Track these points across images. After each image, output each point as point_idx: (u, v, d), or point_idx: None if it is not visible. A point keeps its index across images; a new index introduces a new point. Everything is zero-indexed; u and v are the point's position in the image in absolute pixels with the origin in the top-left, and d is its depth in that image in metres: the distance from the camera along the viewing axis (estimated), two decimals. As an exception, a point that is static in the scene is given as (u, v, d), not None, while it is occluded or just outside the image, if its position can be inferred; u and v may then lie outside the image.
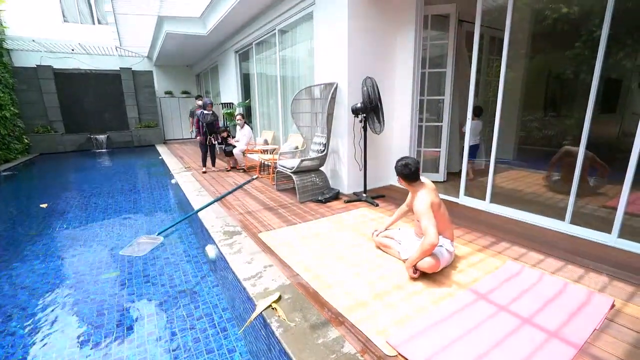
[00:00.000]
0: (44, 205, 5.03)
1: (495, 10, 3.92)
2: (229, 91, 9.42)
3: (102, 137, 11.39)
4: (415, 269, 2.30)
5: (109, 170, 8.27)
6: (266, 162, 6.05)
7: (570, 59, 5.08)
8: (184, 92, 13.50)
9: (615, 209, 2.76)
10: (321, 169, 4.58)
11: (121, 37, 11.87)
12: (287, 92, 6.46)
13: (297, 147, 5.26)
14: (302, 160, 4.27)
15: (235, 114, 7.78)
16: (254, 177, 5.78)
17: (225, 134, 6.76)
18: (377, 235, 2.84)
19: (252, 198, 4.52)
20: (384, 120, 4.06)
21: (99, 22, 11.80)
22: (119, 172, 7.88)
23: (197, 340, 2.08)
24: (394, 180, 5.04)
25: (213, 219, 3.64)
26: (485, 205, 3.75)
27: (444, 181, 4.91)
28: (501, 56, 3.39)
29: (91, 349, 2.03)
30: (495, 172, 3.64)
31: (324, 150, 4.40)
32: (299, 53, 5.82)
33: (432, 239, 2.18)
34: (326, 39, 4.54)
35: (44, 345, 2.07)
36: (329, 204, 4.17)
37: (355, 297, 2.11)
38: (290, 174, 4.31)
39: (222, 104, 9.41)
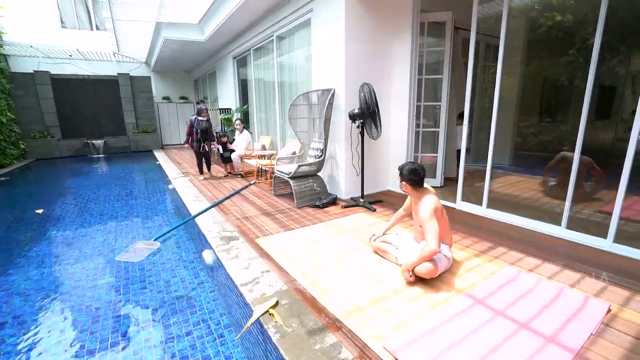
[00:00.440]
0: (39, 211, 4.99)
1: (490, 18, 3.99)
2: (227, 97, 9.46)
3: (99, 142, 11.37)
4: (412, 273, 2.30)
5: (105, 175, 8.23)
6: (264, 168, 6.05)
7: (565, 66, 5.15)
8: (182, 98, 13.53)
9: (610, 214, 2.78)
10: (319, 174, 4.59)
11: (119, 43, 11.90)
12: (284, 98, 6.49)
13: (294, 153, 5.28)
14: (299, 166, 4.28)
15: (234, 119, 7.80)
16: (252, 182, 5.78)
17: (225, 139, 6.75)
18: (374, 241, 2.84)
19: (250, 203, 4.51)
20: (381, 126, 4.09)
21: (97, 28, 11.84)
22: (115, 177, 7.84)
23: (194, 347, 2.06)
24: (391, 185, 5.06)
25: (210, 225, 3.63)
26: (482, 210, 3.77)
27: (441, 186, 4.93)
28: (497, 63, 3.44)
29: (86, 355, 2.00)
30: (491, 178, 3.67)
31: (321, 156, 4.42)
32: (297, 59, 5.86)
33: (434, 246, 2.19)
34: (324, 45, 4.59)
35: (38, 353, 2.04)
36: (326, 209, 4.18)
37: (352, 302, 2.10)
38: (288, 179, 4.31)
39: (220, 109, 9.43)
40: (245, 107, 8.62)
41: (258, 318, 1.93)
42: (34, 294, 2.72)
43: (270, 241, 3.13)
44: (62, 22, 11.27)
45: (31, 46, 10.41)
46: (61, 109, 10.75)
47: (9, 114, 9.11)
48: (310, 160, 4.59)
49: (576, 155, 2.94)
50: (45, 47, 10.64)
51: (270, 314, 1.95)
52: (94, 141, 11.30)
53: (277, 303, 2.07)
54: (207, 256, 3.08)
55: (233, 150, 6.53)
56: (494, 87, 3.50)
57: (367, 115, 4.00)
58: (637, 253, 2.65)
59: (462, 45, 5.11)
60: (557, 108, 6.00)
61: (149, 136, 12.10)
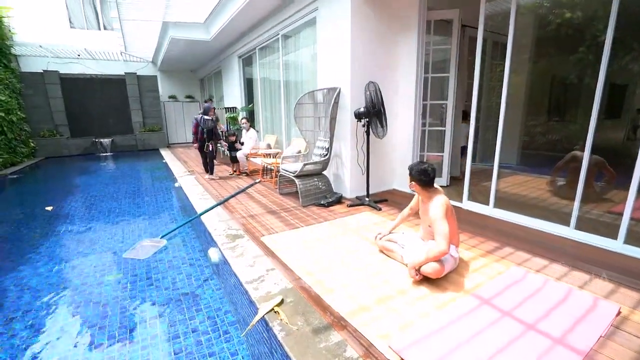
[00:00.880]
0: (49, 208, 5.07)
1: (498, 16, 3.94)
2: (233, 96, 9.49)
3: (106, 141, 11.50)
4: (418, 272, 2.29)
5: (113, 173, 8.33)
6: (269, 166, 6.06)
7: (574, 64, 5.07)
8: (188, 97, 13.62)
9: (621, 214, 2.74)
10: (324, 173, 4.58)
11: (126, 43, 12.03)
12: (290, 97, 6.49)
13: (299, 151, 5.28)
14: (304, 164, 4.28)
15: (240, 118, 7.83)
16: (257, 181, 5.79)
17: (233, 138, 6.76)
18: (380, 239, 2.83)
19: (255, 202, 4.53)
20: (387, 125, 4.06)
21: (105, 28, 11.96)
22: (123, 175, 7.93)
23: (199, 343, 2.07)
24: (396, 184, 5.04)
25: (216, 223, 3.65)
26: (488, 210, 3.74)
27: (447, 185, 4.89)
28: (504, 61, 3.39)
29: (94, 351, 2.03)
30: (498, 177, 3.63)
31: (326, 155, 4.41)
32: (302, 58, 5.86)
33: (443, 247, 2.18)
34: (329, 44, 4.58)
35: (47, 347, 2.07)
36: (331, 208, 4.17)
37: (357, 301, 2.10)
38: (293, 177, 4.32)
39: (225, 108, 9.48)
40: (250, 106, 8.65)
41: (263, 316, 1.93)
42: (44, 290, 2.77)
43: (276, 239, 3.14)
44: (70, 22, 11.41)
45: (40, 46, 10.56)
46: (70, 108, 10.90)
47: (19, 113, 9.26)
48: (316, 159, 4.59)
49: (586, 155, 2.89)
50: (54, 47, 10.79)
51: (275, 312, 1.96)
52: (101, 140, 11.43)
53: (282, 301, 2.07)
54: (213, 254, 3.10)
55: (239, 149, 6.56)
56: (502, 85, 3.45)
57: (373, 114, 3.98)
58: (648, 254, 2.60)
59: (469, 43, 5.06)
60: (566, 107, 5.92)
61: (156, 135, 12.21)
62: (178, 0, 7.85)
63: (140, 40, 12.10)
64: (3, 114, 8.18)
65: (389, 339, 1.74)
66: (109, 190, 6.35)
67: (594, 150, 2.88)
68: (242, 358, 1.98)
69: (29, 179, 7.73)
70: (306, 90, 5.19)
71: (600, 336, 1.74)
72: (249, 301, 2.17)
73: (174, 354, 1.99)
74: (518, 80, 5.53)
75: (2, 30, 9.07)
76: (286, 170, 4.50)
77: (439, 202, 2.34)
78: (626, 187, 2.68)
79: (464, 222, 3.48)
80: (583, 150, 2.92)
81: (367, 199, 4.24)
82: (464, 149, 5.31)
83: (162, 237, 3.71)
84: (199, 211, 4.07)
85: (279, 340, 1.74)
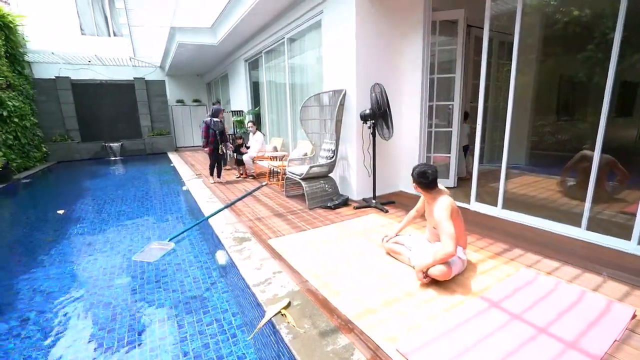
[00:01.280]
0: (60, 212, 5.16)
1: (504, 15, 3.91)
2: (239, 99, 9.57)
3: (116, 145, 11.68)
4: (426, 274, 2.27)
5: (122, 177, 8.46)
6: (275, 169, 6.09)
7: (583, 62, 5.00)
8: (195, 101, 13.77)
9: (634, 214, 2.67)
10: (330, 175, 4.58)
11: (135, 48, 12.24)
12: (296, 99, 6.52)
13: (306, 154, 5.29)
14: (311, 167, 4.29)
15: (246, 121, 7.89)
16: (264, 183, 5.82)
17: (240, 141, 6.81)
18: (387, 242, 2.81)
19: (262, 204, 4.55)
20: (392, 126, 4.05)
21: (115, 34, 12.19)
22: (132, 179, 8.04)
23: (207, 346, 2.08)
24: (403, 186, 5.01)
25: (223, 226, 3.68)
26: (497, 211, 3.69)
27: (454, 187, 4.85)
28: (511, 60, 3.36)
29: (104, 353, 2.06)
30: (506, 178, 3.58)
31: (332, 157, 4.41)
32: (308, 61, 5.88)
33: (450, 249, 2.16)
34: (334, 46, 4.59)
35: (57, 349, 2.11)
36: (338, 210, 4.17)
37: (364, 303, 2.09)
38: (300, 180, 4.33)
39: (232, 111, 9.56)
40: (257, 109, 8.71)
41: (270, 318, 1.94)
42: (55, 292, 2.82)
43: (282, 242, 3.14)
44: (81, 29, 11.66)
45: (53, 53, 10.81)
46: (80, 113, 11.12)
47: (32, 118, 9.47)
48: (322, 161, 4.59)
49: (596, 154, 2.84)
50: (66, 53, 11.04)
51: (282, 315, 1.96)
52: (111, 144, 11.63)
53: (289, 304, 2.07)
54: (220, 257, 3.12)
55: (245, 152, 6.60)
56: (508, 85, 3.42)
57: (379, 116, 3.97)
58: (663, 256, 2.53)
59: (475, 43, 5.02)
60: (575, 106, 5.83)
61: (164, 139, 12.36)
62: (185, 6, 7.96)
63: (149, 46, 12.31)
64: (17, 120, 8.38)
65: (396, 341, 1.73)
66: (118, 193, 6.45)
67: (604, 149, 2.82)
68: (250, 361, 1.98)
69: (41, 183, 7.90)
70: (312, 93, 5.21)
71: (615, 340, 1.70)
72: (256, 304, 2.17)
73: (182, 356, 2.00)
74: (525, 79, 5.47)
75: (17, 38, 9.31)
76: (292, 173, 4.51)
77: (443, 203, 2.32)
78: (639, 186, 2.62)
79: (471, 223, 3.44)
80: (593, 150, 2.87)
81: (373, 201, 4.23)
82: (465, 149, 5.38)
83: (170, 240, 3.75)
84: (206, 214, 4.11)
85: (286, 343, 1.74)
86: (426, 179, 2.41)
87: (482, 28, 3.60)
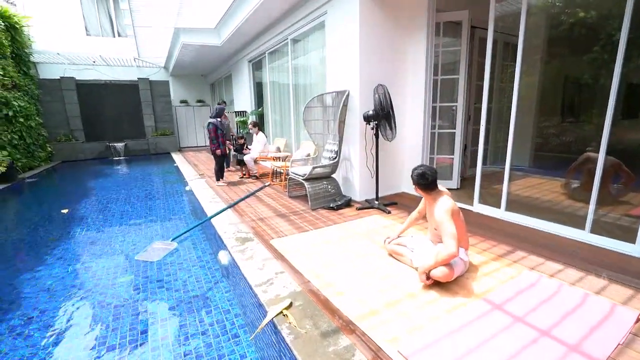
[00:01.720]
0: (65, 211, 5.20)
1: (508, 16, 3.89)
2: (243, 99, 9.60)
3: (120, 145, 11.76)
4: (428, 276, 2.26)
5: (126, 177, 8.50)
6: (278, 170, 6.10)
7: (588, 64, 4.96)
8: (199, 101, 13.84)
9: (639, 217, 2.65)
10: (333, 176, 4.58)
11: (139, 49, 12.32)
12: (299, 100, 6.53)
13: (309, 155, 5.30)
14: (314, 168, 4.29)
15: (248, 122, 7.92)
16: (267, 184, 5.83)
17: (242, 141, 6.83)
18: (389, 243, 2.81)
19: (265, 205, 4.55)
20: (396, 127, 4.05)
21: (119, 35, 12.29)
22: (135, 179, 8.09)
23: (209, 346, 2.09)
24: (406, 187, 5.00)
25: (226, 226, 3.69)
26: (500, 213, 3.67)
27: (457, 188, 4.83)
28: (515, 62, 3.35)
29: (106, 352, 2.07)
30: (510, 179, 3.57)
31: (335, 158, 4.41)
32: (311, 61, 5.89)
33: (452, 250, 2.15)
34: (338, 47, 4.59)
35: (61, 347, 2.12)
36: (340, 211, 4.17)
37: (366, 305, 2.08)
38: (302, 181, 4.33)
39: (235, 112, 9.59)
40: (260, 109, 8.73)
41: (272, 319, 1.94)
42: (58, 291, 2.84)
43: (285, 242, 3.15)
44: (86, 30, 11.77)
45: (58, 53, 10.91)
46: (85, 113, 11.20)
47: (37, 118, 9.55)
48: (325, 162, 4.59)
49: (601, 156, 2.82)
50: (71, 54, 11.15)
51: (284, 315, 1.96)
52: (115, 144, 11.70)
53: (291, 304, 2.07)
54: (223, 257, 3.13)
55: (247, 153, 6.62)
56: (512, 86, 3.40)
57: (382, 117, 3.97)
58: (668, 259, 2.51)
59: (479, 44, 5.01)
60: (580, 107, 5.79)
61: (167, 139, 12.43)
62: (190, 7, 8.01)
63: (153, 47, 12.39)
64: (22, 120, 8.45)
65: (398, 343, 1.72)
66: (122, 193, 6.48)
67: (609, 152, 2.80)
68: (251, 361, 1.98)
69: (46, 183, 7.96)
70: (315, 94, 5.21)
71: (619, 344, 1.69)
72: (258, 304, 2.18)
73: (184, 355, 2.01)
74: (530, 81, 5.44)
75: (22, 39, 9.41)
76: (295, 174, 4.52)
77: (444, 204, 2.32)
78: (644, 189, 2.60)
79: (474, 225, 3.43)
80: (597, 152, 2.85)
81: (376, 202, 4.22)
82: (465, 148, 5.37)
83: (173, 239, 3.77)
84: (209, 214, 4.12)
85: (287, 344, 1.74)
86: (425, 180, 2.41)
87: (487, 29, 3.59)
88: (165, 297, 2.69)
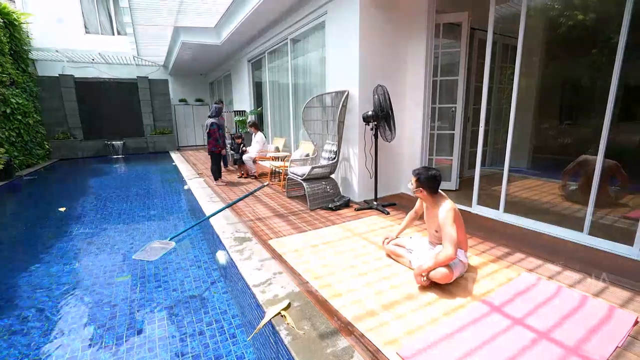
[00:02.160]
0: (62, 209, 5.17)
1: (508, 18, 3.90)
2: (242, 99, 9.58)
3: (118, 143, 11.71)
4: (426, 277, 2.26)
5: (124, 175, 8.48)
6: (277, 169, 6.08)
7: (587, 66, 4.98)
8: (198, 100, 13.81)
9: (637, 220, 2.66)
10: (332, 176, 4.58)
11: (139, 47, 12.27)
12: (298, 100, 6.52)
13: (308, 155, 5.29)
14: (312, 168, 4.29)
15: (247, 121, 7.90)
16: (265, 184, 5.82)
17: (239, 141, 6.82)
18: (387, 244, 2.80)
19: (263, 205, 4.54)
20: (395, 128, 4.04)
21: (119, 33, 12.24)
22: (134, 177, 8.06)
23: (206, 346, 2.08)
24: (404, 188, 5.00)
25: (224, 225, 3.67)
26: (498, 214, 3.68)
27: (455, 190, 4.84)
28: (514, 64, 3.35)
29: (103, 350, 2.06)
30: (508, 181, 3.57)
31: (334, 158, 4.41)
32: (311, 61, 5.89)
33: (450, 252, 2.16)
34: (338, 48, 4.59)
35: (57, 346, 2.11)
36: (339, 211, 4.16)
37: (365, 306, 2.08)
38: (301, 181, 4.32)
39: (234, 111, 9.57)
40: (259, 109, 8.72)
41: (270, 319, 1.93)
42: (55, 289, 2.82)
43: (283, 243, 3.14)
44: (86, 28, 11.72)
45: (57, 51, 10.86)
46: (83, 111, 11.14)
47: (35, 115, 9.51)
48: (324, 162, 4.59)
49: (599, 158, 2.82)
50: (70, 51, 11.10)
51: (282, 316, 1.95)
52: (113, 142, 11.66)
53: (289, 305, 2.07)
54: (221, 257, 3.12)
55: (245, 152, 6.60)
56: (511, 88, 3.41)
57: (381, 117, 3.97)
58: (666, 262, 2.52)
59: (478, 46, 5.02)
60: (578, 110, 5.81)
61: (166, 138, 12.39)
62: (190, 6, 7.99)
63: (153, 45, 12.34)
64: (20, 117, 8.41)
65: (397, 345, 1.72)
66: (120, 192, 6.46)
67: (607, 154, 2.81)
68: (249, 361, 1.98)
69: (44, 180, 7.92)
70: (314, 94, 5.21)
71: (617, 346, 1.69)
72: (256, 304, 2.17)
73: (181, 355, 2.00)
74: (529, 83, 5.45)
75: (21, 36, 9.36)
76: (294, 174, 4.51)
77: (447, 208, 2.32)
78: (642, 192, 2.61)
79: (473, 226, 3.43)
80: (595, 154, 2.85)
81: (375, 202, 4.22)
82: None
83: (171, 239, 3.75)
84: (207, 214, 4.11)
85: (285, 345, 1.73)
86: (436, 183, 2.41)
87: (486, 31, 3.59)
88: (163, 296, 2.68)
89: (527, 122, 5.55)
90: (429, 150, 4.75)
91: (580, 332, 1.79)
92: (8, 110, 7.83)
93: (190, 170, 7.75)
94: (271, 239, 3.26)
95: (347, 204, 4.36)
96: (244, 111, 9.25)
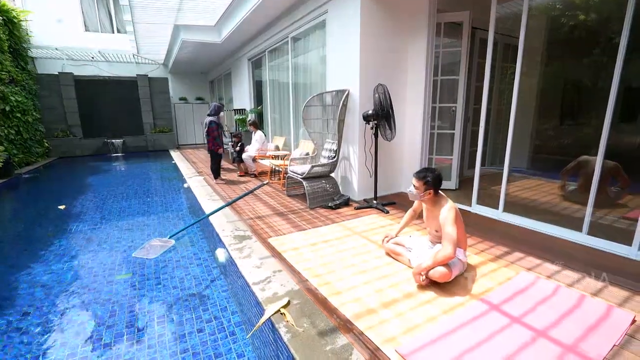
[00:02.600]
0: (62, 207, 5.17)
1: (509, 18, 3.90)
2: (242, 98, 9.58)
3: (118, 141, 11.70)
4: (425, 276, 2.26)
5: (124, 174, 8.47)
6: (277, 168, 6.08)
7: (588, 66, 4.98)
8: (198, 99, 13.79)
9: (636, 220, 2.67)
10: (332, 175, 4.58)
11: (139, 45, 12.23)
12: (298, 99, 6.52)
13: (307, 153, 5.29)
14: (312, 166, 4.29)
15: (247, 120, 7.90)
16: (265, 182, 5.81)
17: (237, 139, 6.82)
18: (387, 242, 2.81)
19: (263, 203, 4.55)
20: (395, 127, 4.04)
21: (118, 31, 12.22)
22: (133, 176, 8.06)
23: (205, 343, 2.08)
24: (404, 187, 5.00)
25: (224, 223, 3.68)
26: (498, 214, 3.68)
27: (455, 189, 4.84)
28: (515, 63, 3.35)
29: (102, 349, 2.06)
30: (508, 181, 3.58)
31: (334, 157, 4.41)
32: (311, 60, 5.88)
33: (449, 252, 2.18)
34: (338, 46, 4.59)
35: (57, 344, 2.11)
36: (339, 210, 4.17)
37: (364, 304, 2.09)
38: (301, 179, 4.32)
39: (234, 110, 9.56)
40: (259, 108, 8.71)
41: (269, 317, 1.94)
42: (55, 287, 2.82)
43: (283, 241, 3.14)
44: (85, 25, 11.69)
45: (56, 49, 10.83)
46: (83, 109, 11.13)
47: (35, 113, 9.50)
48: (324, 161, 4.59)
49: (599, 159, 2.83)
50: (70, 49, 11.07)
51: (281, 314, 1.96)
52: (113, 140, 11.64)
53: (288, 303, 2.07)
54: (220, 254, 3.12)
55: (245, 151, 6.60)
56: (512, 88, 3.41)
57: (382, 117, 3.97)
58: (664, 262, 2.52)
59: (479, 45, 5.02)
60: (579, 110, 5.81)
61: (166, 136, 12.38)
62: (190, 4, 7.97)
63: (153, 43, 12.29)
64: (19, 115, 8.40)
65: (395, 342, 1.72)
66: (119, 190, 6.46)
67: (607, 155, 2.81)
68: (248, 359, 1.98)
69: (43, 178, 7.92)
70: (315, 93, 5.20)
71: (614, 345, 1.69)
72: (256, 302, 2.17)
73: (180, 353, 2.01)
74: (529, 83, 5.44)
75: (20, 34, 9.34)
76: (294, 172, 4.51)
77: (449, 207, 2.34)
78: (641, 192, 2.62)
79: (472, 226, 3.44)
80: (594, 155, 2.86)
81: (374, 201, 4.22)
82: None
83: (171, 237, 3.75)
84: (207, 212, 4.11)
85: (285, 342, 1.73)
86: (441, 182, 2.45)
87: (487, 30, 3.59)
88: (162, 294, 2.68)
89: (527, 122, 5.54)
90: (429, 150, 4.75)
91: (578, 331, 1.80)
92: (7, 108, 7.81)
93: (190, 168, 7.75)
94: (271, 237, 3.26)
95: (346, 202, 4.36)
96: (244, 110, 9.24)
